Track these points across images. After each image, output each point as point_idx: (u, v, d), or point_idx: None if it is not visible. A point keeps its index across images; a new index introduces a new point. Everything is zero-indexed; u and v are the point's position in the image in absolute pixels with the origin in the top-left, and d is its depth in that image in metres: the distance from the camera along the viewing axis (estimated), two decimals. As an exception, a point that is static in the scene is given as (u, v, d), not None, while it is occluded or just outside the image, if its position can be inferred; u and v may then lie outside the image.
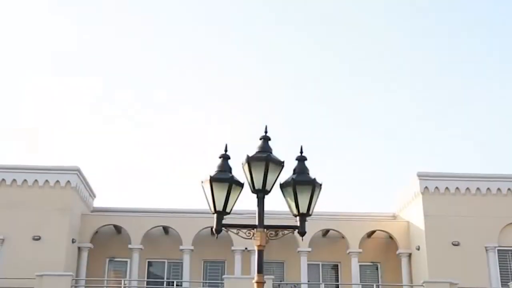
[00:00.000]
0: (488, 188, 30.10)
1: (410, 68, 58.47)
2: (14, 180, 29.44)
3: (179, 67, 59.13)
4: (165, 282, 31.32)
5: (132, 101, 61.05)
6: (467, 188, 30.11)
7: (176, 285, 29.38)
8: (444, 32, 58.40)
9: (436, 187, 30.08)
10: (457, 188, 30.12)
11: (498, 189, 30.11)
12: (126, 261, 31.79)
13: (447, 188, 30.07)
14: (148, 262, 32.32)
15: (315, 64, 60.03)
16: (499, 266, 29.36)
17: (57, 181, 29.56)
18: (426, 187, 30.05)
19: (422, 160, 60.90)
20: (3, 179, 29.43)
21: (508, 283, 27.80)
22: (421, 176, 30.31)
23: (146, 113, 61.81)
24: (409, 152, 61.75)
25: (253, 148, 9.56)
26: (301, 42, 60.02)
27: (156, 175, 61.67)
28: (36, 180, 29.51)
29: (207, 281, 31.27)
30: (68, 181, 29.62)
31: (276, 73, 59.85)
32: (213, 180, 9.41)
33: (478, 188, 30.11)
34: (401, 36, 59.46)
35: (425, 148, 60.84)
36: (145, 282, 30.75)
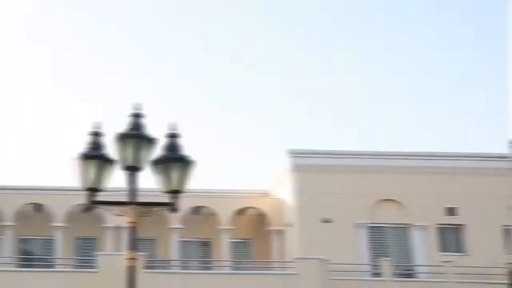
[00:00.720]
0: (360, 165, 30.63)
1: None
2: None
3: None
4: (37, 259, 30.80)
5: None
6: (339, 165, 30.50)
7: (48, 262, 28.92)
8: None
9: (308, 164, 30.41)
10: (329, 165, 30.51)
11: (371, 165, 30.64)
12: (-1, 239, 31.13)
13: (318, 165, 30.44)
14: (20, 239, 31.67)
15: (177, 37, 60.18)
16: (370, 242, 29.98)
17: None
18: (297, 164, 30.35)
19: (295, 137, 62.10)
20: None
21: (380, 259, 28.24)
22: (292, 153, 30.57)
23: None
24: (282, 128, 62.83)
25: (125, 125, 9.51)
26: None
27: (29, 151, 59.94)
28: None
29: (80, 258, 30.88)
30: None
31: (145, 47, 59.69)
32: (83, 157, 9.33)
33: (350, 165, 30.54)
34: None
35: (299, 124, 62.00)
36: (17, 259, 30.13)
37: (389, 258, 27.84)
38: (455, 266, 27.12)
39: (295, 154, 30.68)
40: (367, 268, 29.43)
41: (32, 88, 60.42)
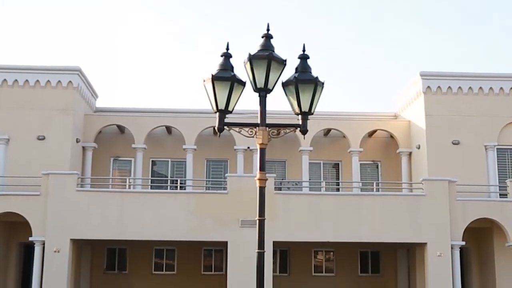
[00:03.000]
0: (491, 88, 30.08)
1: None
2: (16, 80, 29.39)
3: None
4: (169, 181, 31.74)
5: (135, 1, 60.27)
6: (470, 88, 30.08)
7: (180, 183, 29.71)
8: None
9: (439, 87, 30.03)
10: (459, 87, 30.07)
11: (501, 88, 30.10)
12: (130, 160, 32.16)
13: (449, 87, 30.03)
14: (152, 161, 32.63)
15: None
16: (498, 164, 29.73)
17: (59, 82, 29.52)
18: (428, 87, 30.02)
19: (425, 60, 60.63)
20: (5, 80, 29.38)
21: (506, 181, 28.25)
22: (424, 75, 30.21)
23: (149, 14, 61.14)
24: (412, 52, 61.42)
25: (255, 46, 9.45)
26: None
27: (159, 75, 61.55)
28: (37, 81, 29.46)
29: (210, 179, 31.65)
30: (70, 82, 29.58)
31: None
32: (215, 78, 9.34)
33: (480, 88, 30.09)
34: None
35: (428, 48, 60.46)
36: (150, 181, 31.12)
37: (517, 180, 27.52)
38: None
39: (427, 76, 30.20)
40: (495, 189, 29.02)
41: (160, 11, 61.61)
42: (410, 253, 30.00)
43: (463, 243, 26.38)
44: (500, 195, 28.70)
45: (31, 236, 25.69)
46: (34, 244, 25.77)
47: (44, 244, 25.50)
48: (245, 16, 61.14)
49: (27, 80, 29.43)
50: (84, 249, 29.93)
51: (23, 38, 62.25)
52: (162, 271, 31.77)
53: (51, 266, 25.17)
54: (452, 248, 26.13)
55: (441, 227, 26.08)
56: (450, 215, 26.22)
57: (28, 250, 28.83)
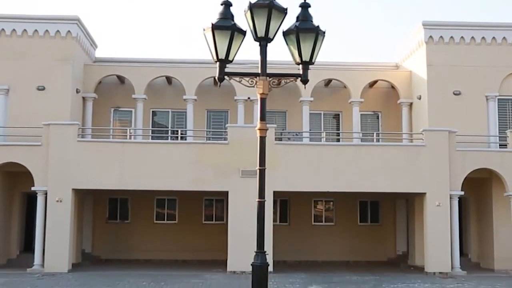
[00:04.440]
0: (494, 37, 29.81)
1: None
2: (14, 30, 29.18)
3: None
4: (169, 131, 31.79)
5: None
6: (472, 37, 29.80)
7: (181, 133, 29.75)
8: None
9: (441, 36, 29.77)
10: (462, 37, 29.80)
11: (504, 38, 29.84)
12: (131, 111, 32.14)
13: (451, 37, 29.76)
14: (152, 111, 32.61)
15: None
16: (498, 114, 29.68)
17: (58, 31, 29.30)
18: (430, 36, 29.75)
19: (428, 10, 60.10)
20: (3, 29, 29.16)
21: (506, 131, 28.29)
22: (426, 25, 29.92)
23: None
24: (416, 1, 60.83)
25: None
26: None
27: (159, 25, 61.12)
28: (36, 30, 29.24)
29: (211, 130, 31.68)
30: (69, 31, 29.37)
31: None
32: (215, 27, 9.28)
33: (483, 37, 29.81)
34: None
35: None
36: (150, 131, 31.17)
37: (516, 129, 27.59)
38: None
39: (429, 26, 29.91)
40: (495, 139, 29.11)
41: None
42: (409, 203, 30.21)
43: (462, 193, 26.53)
44: (500, 145, 28.74)
45: (33, 186, 25.85)
46: (36, 193, 25.94)
47: (46, 193, 25.68)
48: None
49: (25, 30, 29.20)
50: (86, 199, 30.15)
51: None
52: (164, 220, 32.10)
53: (54, 215, 25.39)
54: (451, 198, 26.27)
55: (440, 177, 26.19)
56: (449, 165, 26.30)
57: (31, 199, 29.03)
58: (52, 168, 25.66)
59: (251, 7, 9.23)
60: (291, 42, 9.48)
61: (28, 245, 29.47)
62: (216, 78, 9.65)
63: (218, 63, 9.49)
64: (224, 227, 27.06)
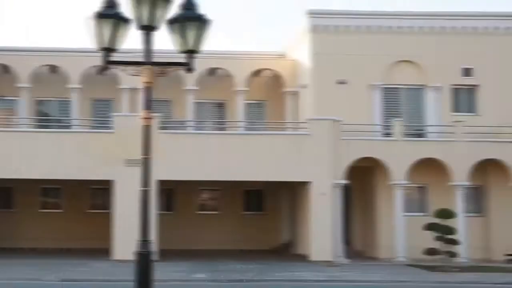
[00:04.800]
0: (379, 26, 30.04)
1: None
2: None
3: None
4: (54, 120, 31.29)
5: None
6: (357, 26, 29.95)
7: (66, 123, 29.35)
8: None
9: (326, 25, 29.92)
10: (347, 26, 29.97)
11: (389, 27, 30.12)
12: (15, 100, 31.40)
13: (337, 26, 29.90)
14: (37, 100, 31.97)
15: None
16: (383, 103, 30.04)
17: None
18: (316, 25, 29.86)
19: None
20: None
21: (390, 120, 28.78)
22: (312, 13, 29.99)
23: None
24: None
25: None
26: None
27: (44, 12, 59.36)
28: None
29: (96, 119, 31.23)
30: None
31: None
32: (98, 16, 9.12)
33: (368, 26, 30.00)
34: None
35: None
36: (35, 120, 30.53)
37: (401, 119, 28.16)
38: (465, 126, 27.43)
39: (314, 14, 30.02)
40: (379, 128, 29.65)
41: None
42: (294, 192, 30.55)
43: (347, 182, 26.98)
44: (385, 134, 29.23)
45: None
46: None
47: None
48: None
49: None
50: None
51: None
52: (49, 209, 31.61)
53: None
54: (335, 187, 26.66)
55: (324, 166, 26.56)
56: (334, 154, 26.68)
57: None
58: None
59: (134, -6, 9.08)
60: (175, 30, 9.41)
61: None
62: (100, 67, 9.48)
63: (101, 52, 9.33)
64: (109, 216, 26.77)
